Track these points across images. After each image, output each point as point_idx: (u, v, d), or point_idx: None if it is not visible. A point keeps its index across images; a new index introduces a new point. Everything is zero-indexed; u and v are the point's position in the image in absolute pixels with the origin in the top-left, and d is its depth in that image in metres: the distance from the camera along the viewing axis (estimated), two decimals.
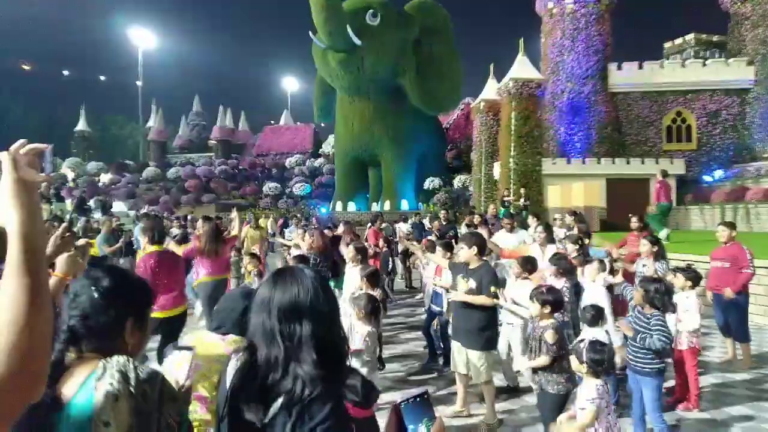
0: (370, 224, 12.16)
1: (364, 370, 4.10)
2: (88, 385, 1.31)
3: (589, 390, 3.37)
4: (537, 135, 22.39)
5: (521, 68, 22.65)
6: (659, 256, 6.65)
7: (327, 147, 41.72)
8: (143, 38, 55.91)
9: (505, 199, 18.46)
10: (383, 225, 13.11)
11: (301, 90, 68.23)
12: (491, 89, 25.98)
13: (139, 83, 53.42)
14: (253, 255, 11.39)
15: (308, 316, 1.45)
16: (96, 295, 1.44)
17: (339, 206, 29.94)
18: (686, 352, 5.51)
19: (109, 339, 1.43)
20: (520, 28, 28.34)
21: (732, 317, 6.76)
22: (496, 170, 24.38)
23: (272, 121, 52.76)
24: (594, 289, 5.67)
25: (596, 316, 4.58)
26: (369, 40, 26.09)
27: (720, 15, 25.92)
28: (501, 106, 23.84)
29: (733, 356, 6.80)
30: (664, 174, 13.96)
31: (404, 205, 27.95)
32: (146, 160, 46.27)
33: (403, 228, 13.78)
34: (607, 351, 3.51)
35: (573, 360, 3.57)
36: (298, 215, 24.18)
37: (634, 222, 8.79)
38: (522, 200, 18.05)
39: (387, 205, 28.03)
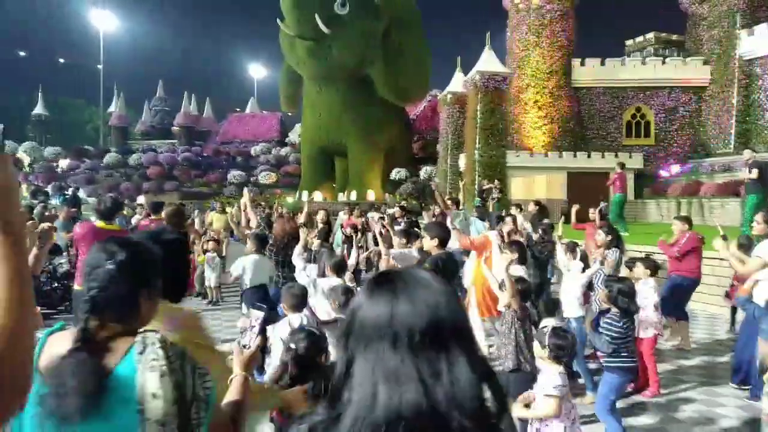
0: (344, 213, 12.16)
1: None
2: (131, 358, 1.41)
3: (553, 377, 3.38)
4: (502, 128, 22.75)
5: (488, 62, 22.95)
6: (612, 244, 6.91)
7: (294, 136, 41.46)
8: (105, 20, 54.28)
9: (485, 188, 18.45)
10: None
11: (267, 77, 67.36)
12: (458, 82, 26.23)
13: (100, 67, 51.94)
14: (215, 240, 11.28)
15: (456, 339, 0.91)
16: (112, 267, 1.52)
17: (305, 196, 29.85)
18: (646, 341, 5.66)
19: (128, 308, 1.53)
20: (487, 21, 28.61)
21: (674, 297, 7.06)
22: (462, 162, 24.67)
23: (238, 109, 52.02)
24: (570, 277, 5.89)
25: (552, 306, 4.66)
26: (337, 29, 25.97)
27: (679, 15, 26.72)
28: (467, 99, 24.11)
29: (682, 340, 7.11)
30: (622, 166, 14.45)
31: (371, 195, 28.03)
32: (107, 146, 45.11)
33: (376, 218, 13.82)
34: (570, 338, 3.57)
35: (536, 346, 3.59)
36: (262, 204, 24.00)
37: (592, 213, 9.09)
38: (496, 192, 18.08)
39: (353, 196, 28.07)
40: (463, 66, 26.83)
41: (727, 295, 7.55)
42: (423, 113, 36.00)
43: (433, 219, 11.68)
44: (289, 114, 38.90)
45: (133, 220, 12.85)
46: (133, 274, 1.55)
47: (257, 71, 66.11)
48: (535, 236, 7.86)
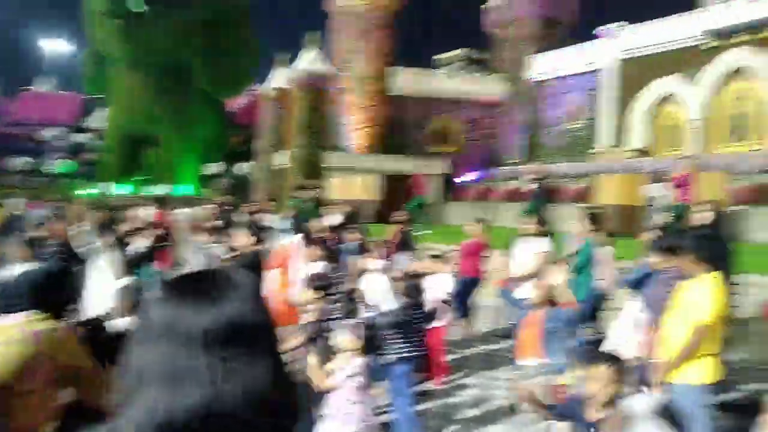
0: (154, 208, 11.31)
1: None
2: None
3: (353, 366, 3.58)
4: (322, 128, 23.17)
5: (311, 61, 23.20)
6: (405, 247, 7.47)
7: (96, 121, 37.55)
8: None
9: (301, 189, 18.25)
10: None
11: (68, 54, 59.83)
12: (281, 78, 26.09)
13: None
14: None
15: (255, 340, 0.88)
16: None
17: (108, 187, 27.28)
18: (436, 331, 6.03)
19: None
20: (314, 21, 28.86)
21: (461, 293, 7.88)
22: (281, 159, 24.60)
23: (31, 87, 45.51)
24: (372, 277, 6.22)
25: (346, 305, 4.90)
26: (155, 11, 24.18)
27: (484, 35, 29.67)
28: (289, 96, 24.10)
29: (464, 332, 7.92)
30: (419, 173, 15.76)
31: (184, 189, 26.61)
32: None
33: (188, 214, 13.05)
34: (377, 331, 3.83)
35: (347, 339, 3.71)
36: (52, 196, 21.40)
37: (398, 216, 9.77)
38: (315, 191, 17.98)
39: (165, 189, 26.38)
40: (286, 63, 26.75)
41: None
42: (244, 107, 35.09)
43: (250, 217, 11.52)
44: (92, 97, 35.15)
45: None
46: None
47: (54, 46, 58.39)
48: (354, 238, 8.11)
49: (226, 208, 12.49)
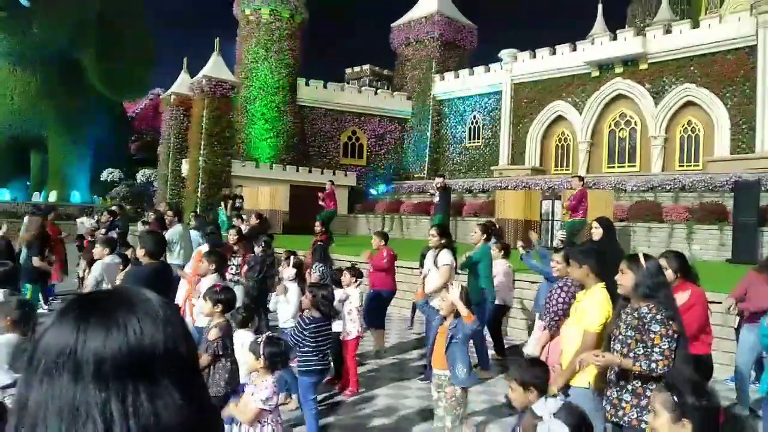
0: (31, 215, 10.50)
1: None
2: None
3: (266, 388, 3.47)
4: (228, 136, 22.62)
5: (216, 67, 22.62)
6: (320, 259, 7.54)
7: None
8: None
9: (236, 194, 17.45)
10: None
11: None
12: (183, 83, 25.21)
13: None
14: None
15: (166, 371, 0.77)
16: None
17: None
18: (350, 343, 6.22)
19: None
20: (218, 26, 28.18)
21: (374, 307, 8.05)
22: (185, 167, 23.72)
23: None
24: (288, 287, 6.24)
25: (246, 317, 4.71)
26: (40, 2, 22.54)
27: (391, 53, 30.40)
28: (193, 102, 23.33)
29: (377, 343, 8.08)
30: (332, 183, 16.00)
31: (75, 196, 24.86)
32: None
33: (86, 223, 12.27)
34: (283, 345, 3.77)
35: (250, 356, 3.62)
36: None
37: (316, 227, 9.90)
38: (239, 201, 17.32)
39: (53, 196, 24.50)
40: (189, 68, 25.93)
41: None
42: (144, 111, 33.50)
43: (147, 227, 11.03)
44: None
45: None
46: None
47: None
48: (257, 249, 8.06)
49: (121, 216, 11.86)
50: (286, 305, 6.27)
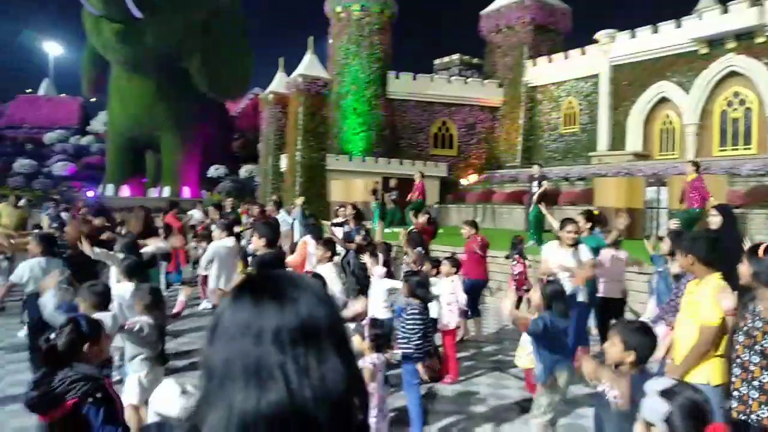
0: (165, 212, 11.49)
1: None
2: None
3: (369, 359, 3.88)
4: (323, 131, 23.38)
5: (310, 66, 23.42)
6: (415, 246, 7.71)
7: (97, 124, 37.66)
8: None
9: (391, 188, 17.77)
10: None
11: (67, 57, 59.70)
12: (280, 82, 26.31)
13: None
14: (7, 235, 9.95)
15: (329, 342, 0.90)
16: None
17: (110, 190, 27.40)
18: (448, 332, 6.30)
19: None
20: (311, 25, 29.14)
21: (469, 296, 8.10)
22: (283, 162, 24.81)
23: (29, 90, 45.52)
24: (374, 281, 6.42)
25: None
26: (151, 13, 24.37)
27: (480, 41, 29.95)
28: (289, 100, 24.32)
29: (465, 332, 8.12)
30: (422, 175, 16.06)
31: (186, 192, 26.75)
32: None
33: (197, 215, 13.24)
34: (386, 327, 4.06)
35: (356, 338, 3.89)
36: (56, 197, 21.47)
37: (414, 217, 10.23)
38: (391, 194, 17.24)
39: (166, 191, 26.52)
40: (286, 67, 26.98)
41: (518, 288, 8.58)
42: (245, 111, 35.31)
43: (252, 219, 11.74)
44: (92, 100, 35.23)
45: None
46: None
47: (53, 49, 58.41)
48: (358, 238, 8.30)
49: (232, 209, 12.73)
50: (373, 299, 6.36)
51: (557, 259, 6.12)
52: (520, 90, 26.87)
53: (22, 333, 7.06)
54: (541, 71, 26.36)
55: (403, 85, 26.78)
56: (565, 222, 6.23)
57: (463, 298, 6.56)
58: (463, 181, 26.26)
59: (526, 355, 5.10)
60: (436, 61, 40.00)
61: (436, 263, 6.92)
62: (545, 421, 4.18)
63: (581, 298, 6.19)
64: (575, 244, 6.10)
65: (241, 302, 0.91)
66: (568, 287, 5.03)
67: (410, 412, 4.83)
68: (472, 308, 7.95)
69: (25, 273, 5.69)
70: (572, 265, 6.02)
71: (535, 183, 12.37)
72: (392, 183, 18.08)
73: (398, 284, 6.21)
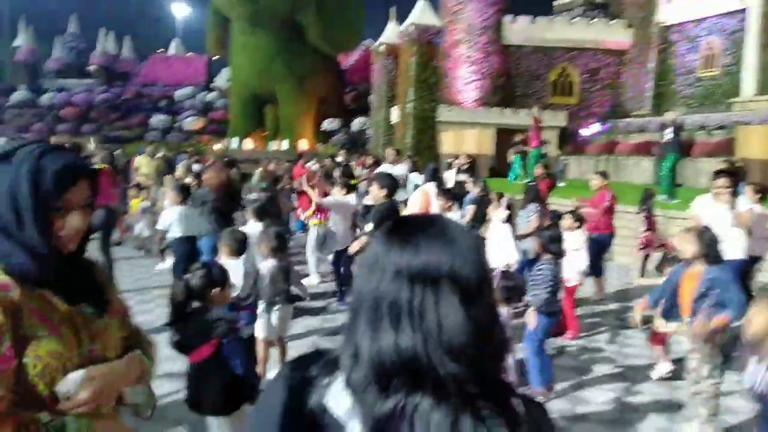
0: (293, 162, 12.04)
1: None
2: None
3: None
4: (434, 82, 22.92)
5: (422, 14, 22.82)
6: (533, 200, 7.40)
7: (220, 80, 39.82)
8: None
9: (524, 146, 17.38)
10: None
11: (191, 17, 63.29)
12: (392, 33, 25.99)
13: None
14: (138, 186, 10.89)
15: (451, 288, 0.89)
16: None
17: (234, 143, 29.09)
18: (569, 288, 6.06)
19: None
20: None
21: (590, 254, 7.69)
22: (394, 114, 24.79)
23: (160, 50, 48.96)
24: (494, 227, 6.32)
25: None
26: None
27: None
28: (401, 51, 24.02)
29: (598, 290, 7.74)
30: (537, 119, 15.21)
31: (303, 144, 27.74)
32: (14, 83, 41.47)
33: (313, 167, 13.74)
34: (518, 280, 3.93)
35: None
36: (188, 150, 23.07)
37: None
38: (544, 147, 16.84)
39: (285, 144, 27.67)
40: (397, 17, 26.56)
41: (645, 246, 8.06)
42: (356, 64, 35.49)
43: (366, 170, 11.91)
44: (216, 57, 37.19)
45: None
46: None
47: (180, 9, 62.08)
48: (476, 189, 8.13)
49: (347, 162, 12.99)
50: (496, 244, 6.31)
51: (710, 214, 5.51)
52: (652, 30, 24.48)
53: (160, 266, 8.47)
54: (676, 8, 23.74)
55: (519, 30, 25.42)
56: (719, 175, 5.59)
57: (585, 256, 6.28)
58: (584, 131, 24.78)
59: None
60: (556, 2, 37.44)
61: (557, 217, 6.67)
62: (713, 393, 3.79)
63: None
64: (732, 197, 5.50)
65: (377, 242, 0.96)
66: (727, 248, 4.53)
67: (529, 366, 4.72)
68: (595, 266, 7.56)
69: (168, 220, 6.26)
70: (728, 221, 5.43)
71: (668, 131, 11.37)
72: (517, 137, 17.51)
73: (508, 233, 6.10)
